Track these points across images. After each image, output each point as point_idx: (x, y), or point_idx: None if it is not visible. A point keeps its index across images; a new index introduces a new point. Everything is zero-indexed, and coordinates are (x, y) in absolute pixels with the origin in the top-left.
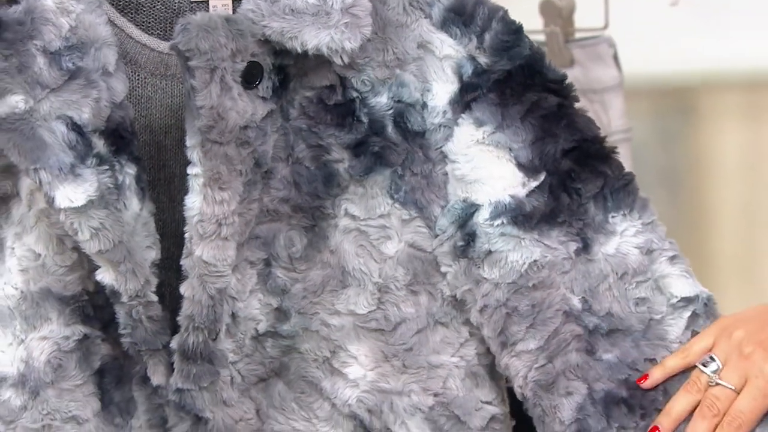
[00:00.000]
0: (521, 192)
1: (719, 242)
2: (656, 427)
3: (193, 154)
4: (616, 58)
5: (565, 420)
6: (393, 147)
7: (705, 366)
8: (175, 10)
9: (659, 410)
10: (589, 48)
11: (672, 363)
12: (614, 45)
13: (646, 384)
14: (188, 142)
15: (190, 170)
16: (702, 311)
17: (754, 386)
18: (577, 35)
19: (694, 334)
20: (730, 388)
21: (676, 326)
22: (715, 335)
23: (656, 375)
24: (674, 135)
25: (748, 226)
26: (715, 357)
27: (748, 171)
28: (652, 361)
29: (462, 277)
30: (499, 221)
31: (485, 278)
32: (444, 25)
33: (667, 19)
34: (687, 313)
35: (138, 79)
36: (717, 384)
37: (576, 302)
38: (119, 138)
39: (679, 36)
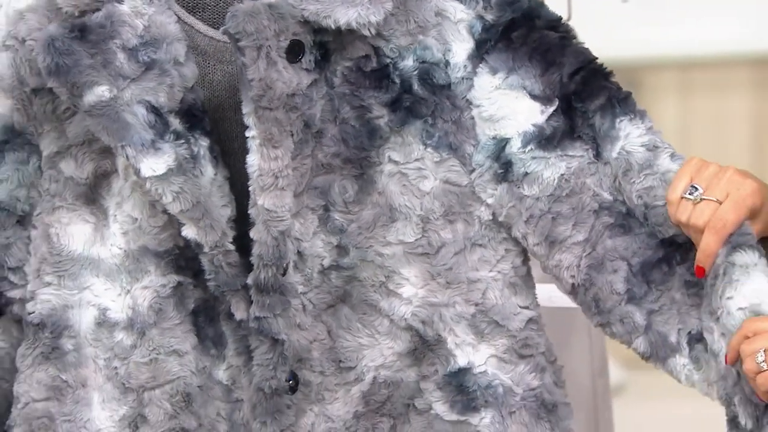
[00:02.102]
0: (541, 119)
1: None
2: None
3: (249, 119)
4: None
5: (620, 291)
6: (422, 101)
7: (690, 194)
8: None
9: (691, 249)
10: None
11: (673, 212)
12: (575, 34)
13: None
14: (244, 110)
15: (248, 133)
16: None
17: (734, 196)
18: None
19: None
20: (713, 200)
21: None
22: (691, 173)
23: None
24: None
25: None
26: (697, 185)
27: (680, 136)
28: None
29: (506, 197)
30: (528, 147)
31: (526, 195)
32: None
33: (619, 13)
34: None
35: (208, 66)
36: (702, 200)
37: (607, 195)
38: (192, 116)
39: (628, 26)
